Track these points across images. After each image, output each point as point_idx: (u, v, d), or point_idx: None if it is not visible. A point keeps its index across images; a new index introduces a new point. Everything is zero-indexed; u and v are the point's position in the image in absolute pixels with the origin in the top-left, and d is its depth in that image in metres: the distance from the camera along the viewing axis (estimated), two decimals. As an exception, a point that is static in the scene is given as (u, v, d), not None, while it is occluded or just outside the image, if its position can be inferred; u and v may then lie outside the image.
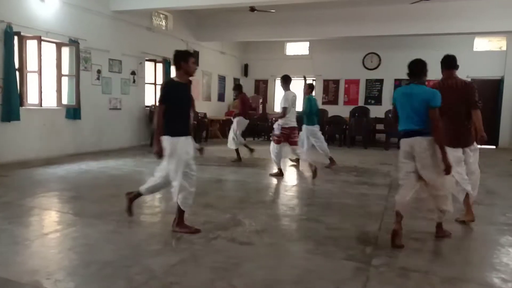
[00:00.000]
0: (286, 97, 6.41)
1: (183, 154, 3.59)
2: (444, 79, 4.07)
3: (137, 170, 6.85)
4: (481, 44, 12.66)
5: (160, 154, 3.61)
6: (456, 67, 4.08)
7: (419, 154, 3.44)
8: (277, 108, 14.48)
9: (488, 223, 4.30)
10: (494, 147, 12.18)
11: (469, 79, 12.27)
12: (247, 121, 8.29)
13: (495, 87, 12.37)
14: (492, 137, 12.28)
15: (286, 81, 6.60)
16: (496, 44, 12.64)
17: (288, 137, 6.54)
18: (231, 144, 8.08)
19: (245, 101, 8.46)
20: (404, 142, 3.54)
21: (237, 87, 8.73)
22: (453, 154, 3.83)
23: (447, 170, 3.39)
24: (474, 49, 12.56)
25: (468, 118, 3.97)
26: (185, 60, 3.65)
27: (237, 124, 8.07)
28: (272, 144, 6.71)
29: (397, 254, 3.25)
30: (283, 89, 6.60)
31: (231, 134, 8.08)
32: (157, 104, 3.72)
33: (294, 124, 6.56)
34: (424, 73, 3.57)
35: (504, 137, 12.15)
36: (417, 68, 3.55)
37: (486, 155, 10.39)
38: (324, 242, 3.48)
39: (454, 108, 3.91)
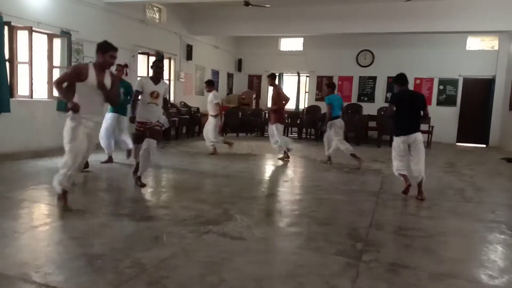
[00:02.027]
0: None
1: None
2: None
3: (127, 164, 6.80)
4: (474, 43, 12.73)
5: None
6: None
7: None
8: (270, 104, 14.46)
9: (477, 221, 4.35)
10: (484, 145, 12.31)
11: (461, 78, 12.46)
12: None
13: (487, 86, 12.46)
14: (483, 136, 12.44)
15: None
16: (488, 43, 12.72)
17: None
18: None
19: None
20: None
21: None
22: None
23: None
24: (467, 48, 12.64)
25: None
26: None
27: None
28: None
29: (387, 250, 3.28)
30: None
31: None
32: None
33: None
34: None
35: (494, 136, 12.26)
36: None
37: (476, 153, 10.55)
38: (315, 238, 3.49)
39: None
